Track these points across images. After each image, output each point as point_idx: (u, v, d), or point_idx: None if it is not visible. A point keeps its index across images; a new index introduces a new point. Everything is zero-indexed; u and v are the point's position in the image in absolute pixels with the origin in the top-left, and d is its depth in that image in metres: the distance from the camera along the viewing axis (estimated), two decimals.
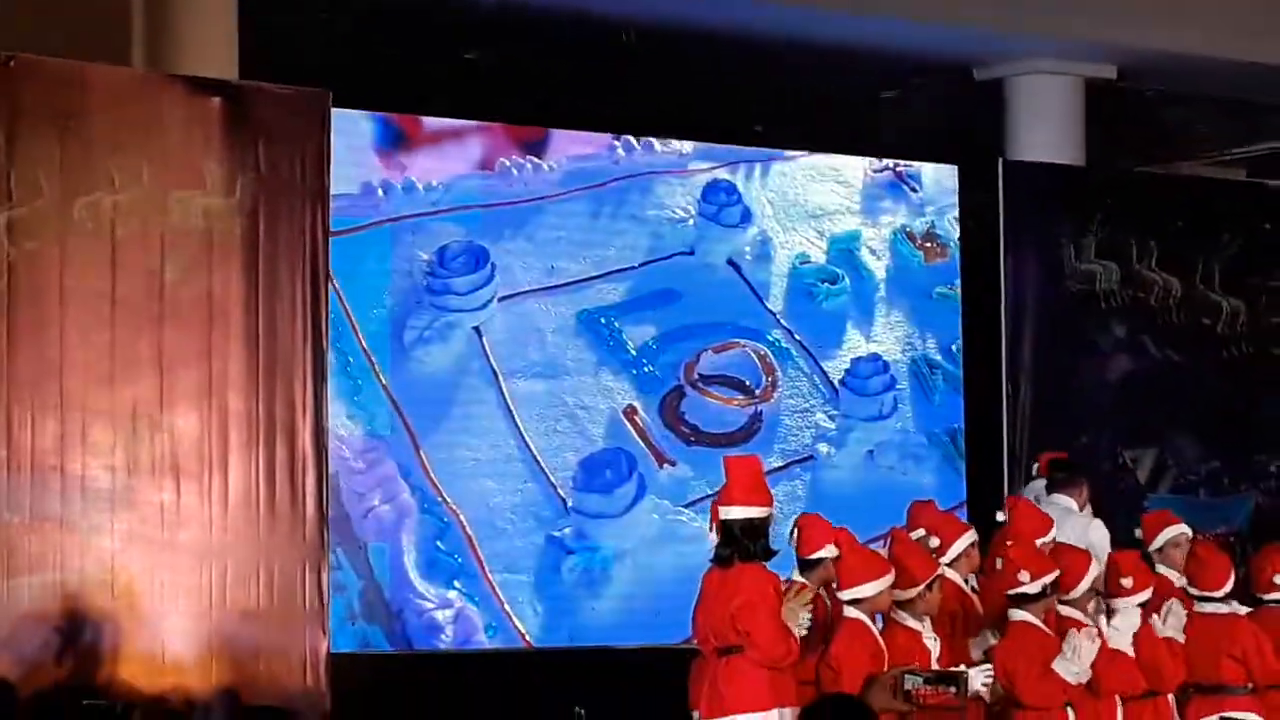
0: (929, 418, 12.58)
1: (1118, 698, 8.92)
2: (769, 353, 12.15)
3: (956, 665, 8.59)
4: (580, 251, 11.67)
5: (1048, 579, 8.76)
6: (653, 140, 11.89)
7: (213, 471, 9.77)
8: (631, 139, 11.84)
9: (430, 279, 11.32)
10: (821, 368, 12.30)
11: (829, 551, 8.65)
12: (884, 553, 8.75)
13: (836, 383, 12.32)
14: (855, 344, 12.41)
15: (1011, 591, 8.77)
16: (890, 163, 12.54)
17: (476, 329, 11.41)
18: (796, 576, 8.69)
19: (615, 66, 12.47)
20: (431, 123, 11.41)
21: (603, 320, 11.73)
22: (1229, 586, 9.42)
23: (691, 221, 12.00)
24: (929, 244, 12.62)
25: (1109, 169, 13.68)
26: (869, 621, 8.59)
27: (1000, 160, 12.81)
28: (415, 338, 11.27)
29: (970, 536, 9.16)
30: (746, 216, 12.13)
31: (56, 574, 9.38)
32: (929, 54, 12.85)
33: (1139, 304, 13.09)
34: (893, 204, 12.56)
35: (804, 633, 8.40)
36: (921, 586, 8.58)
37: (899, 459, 12.43)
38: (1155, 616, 9.16)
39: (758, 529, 8.47)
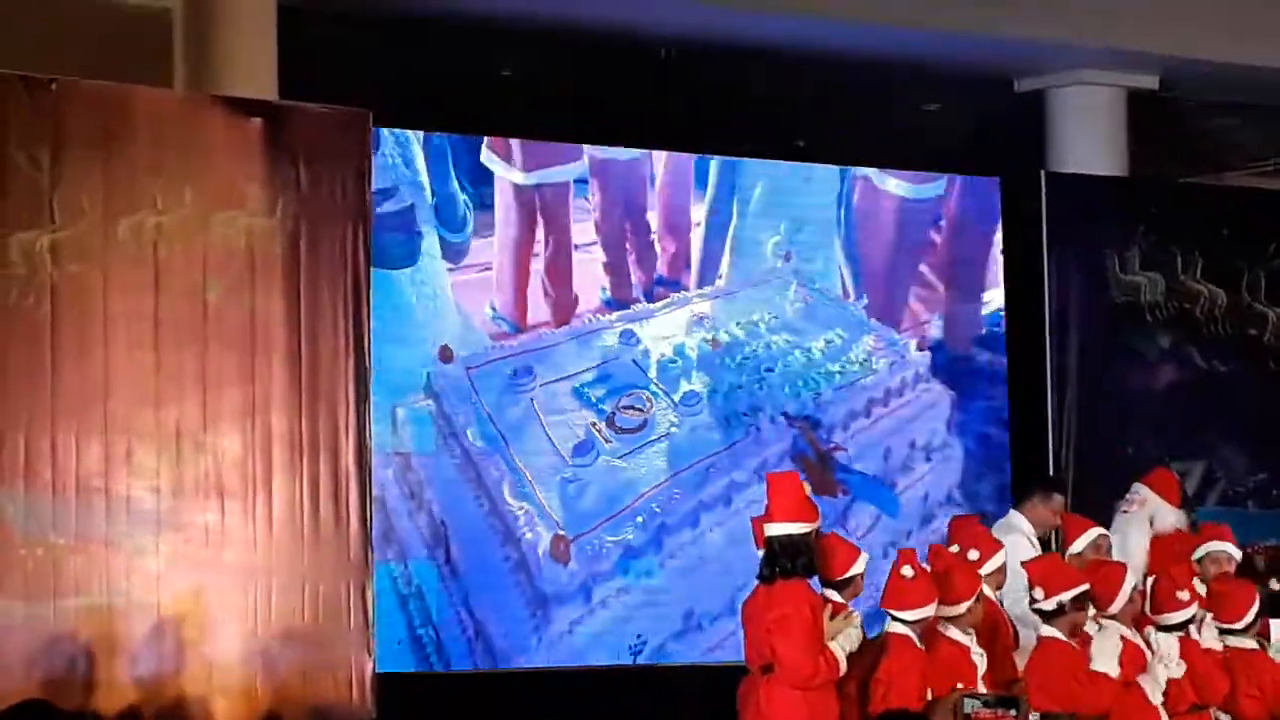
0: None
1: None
2: None
3: (1000, 679, 8.58)
4: None
5: (1065, 595, 8.73)
6: None
7: (256, 491, 9.79)
8: None
9: None
10: None
11: (859, 568, 8.67)
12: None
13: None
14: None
15: (1033, 607, 8.78)
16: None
17: None
18: (830, 595, 8.67)
19: (653, 83, 12.47)
20: None
21: None
22: (1250, 618, 9.36)
23: None
24: None
25: (1152, 180, 13.63)
26: (915, 638, 8.59)
27: (1043, 172, 12.78)
28: None
29: (1003, 553, 9.15)
30: None
31: (102, 596, 9.40)
32: (970, 66, 12.83)
33: (1184, 315, 13.04)
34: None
35: (855, 649, 8.39)
36: (970, 601, 8.59)
37: None
38: (1193, 628, 9.14)
39: (798, 545, 8.45)
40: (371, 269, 10.26)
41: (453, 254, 11.35)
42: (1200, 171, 14.75)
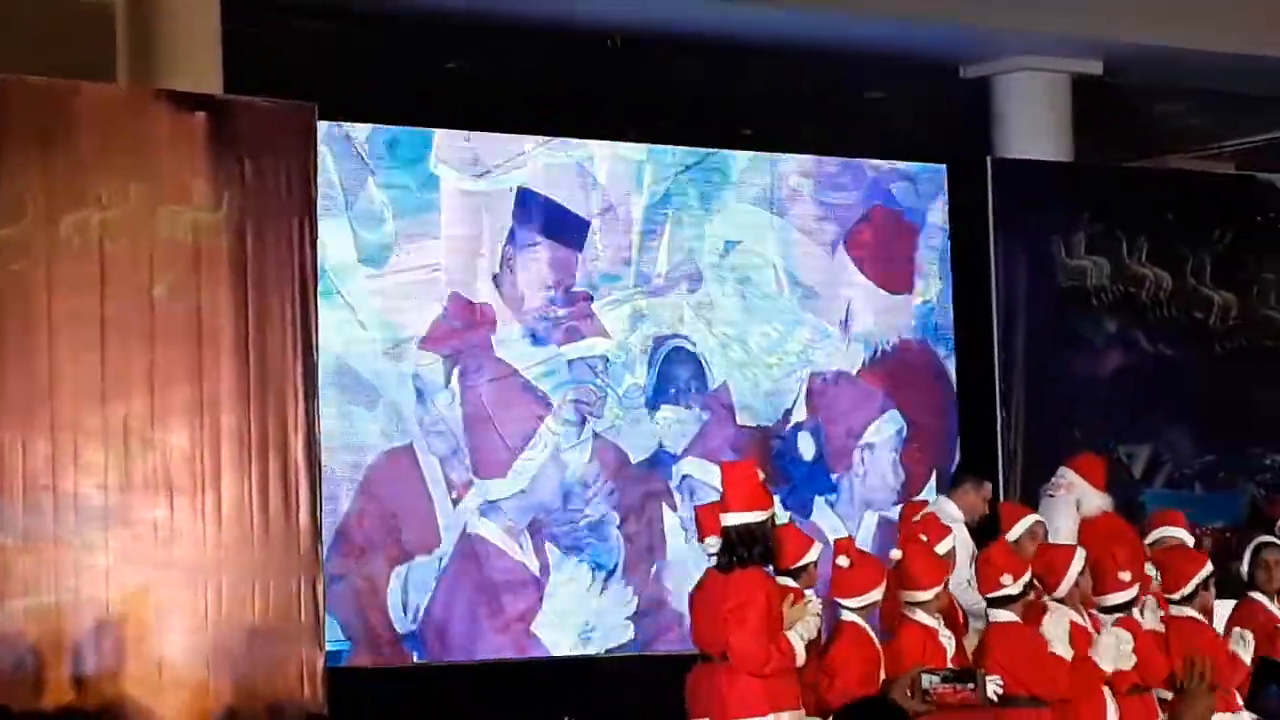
0: None
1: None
2: None
3: (958, 663, 8.64)
4: None
5: (1027, 578, 8.81)
6: None
7: (206, 488, 9.76)
8: None
9: None
10: None
11: (812, 556, 8.72)
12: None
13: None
14: None
15: (993, 595, 8.82)
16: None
17: None
18: (787, 583, 8.70)
19: (600, 74, 12.46)
20: None
21: None
22: (1190, 588, 9.43)
23: None
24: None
25: (1098, 165, 13.67)
26: (865, 625, 8.64)
27: (989, 158, 12.81)
28: None
29: (952, 538, 9.21)
30: None
31: (51, 595, 9.37)
32: (915, 53, 12.84)
33: (1130, 299, 13.09)
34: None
35: (814, 636, 8.42)
36: (939, 588, 8.67)
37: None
38: (1136, 610, 9.21)
39: (755, 534, 8.49)
40: (318, 262, 10.24)
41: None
42: (1145, 156, 14.81)
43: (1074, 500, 10.05)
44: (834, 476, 12.23)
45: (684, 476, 11.78)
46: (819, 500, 12.16)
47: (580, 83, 12.41)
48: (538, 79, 12.33)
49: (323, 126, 10.51)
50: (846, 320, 12.34)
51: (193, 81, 10.39)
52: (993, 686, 8.44)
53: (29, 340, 9.45)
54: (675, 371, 11.90)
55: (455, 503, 11.27)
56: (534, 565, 11.40)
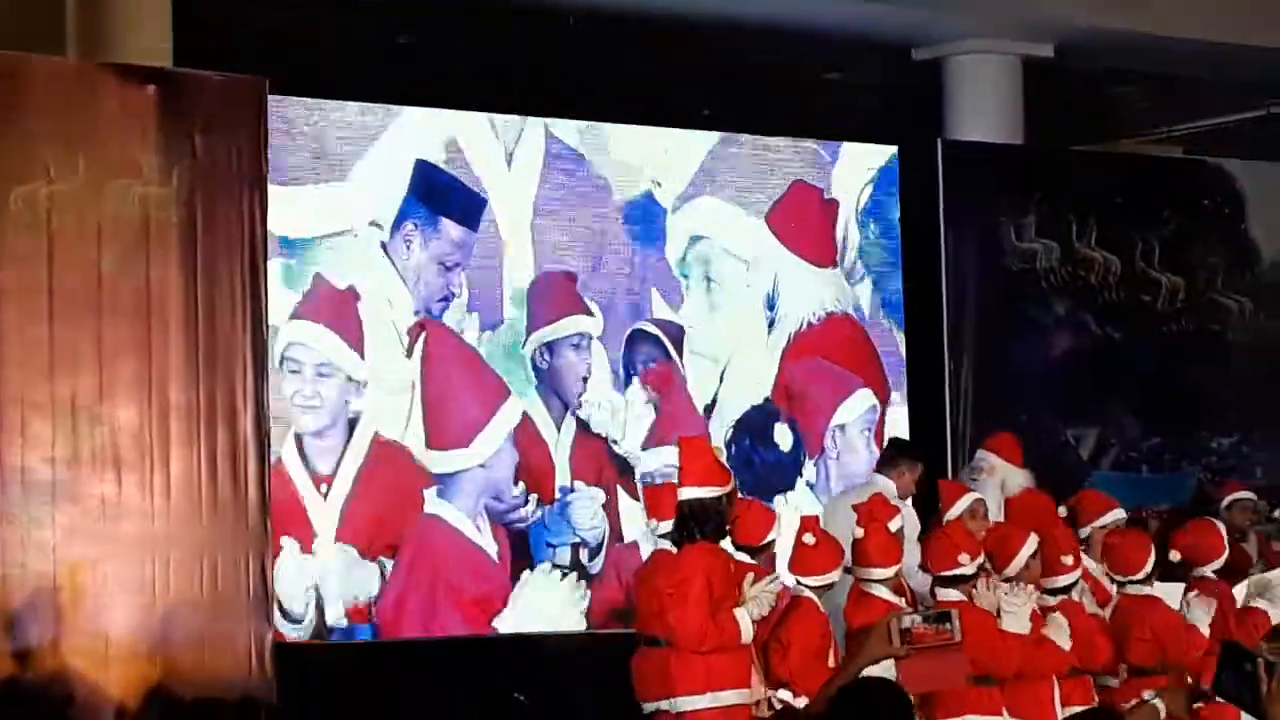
0: None
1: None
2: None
3: None
4: None
5: (981, 559, 8.86)
6: None
7: (154, 462, 9.72)
8: None
9: None
10: None
11: (774, 534, 8.74)
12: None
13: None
14: None
15: (949, 573, 8.84)
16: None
17: None
18: (744, 559, 8.72)
19: (557, 51, 12.44)
20: None
21: None
22: (1148, 568, 9.48)
23: None
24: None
25: (1048, 148, 13.71)
26: (818, 601, 8.67)
27: (939, 140, 12.83)
28: None
29: (900, 518, 9.24)
30: None
31: None
32: (868, 34, 12.86)
33: (1079, 282, 13.14)
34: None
35: (765, 614, 8.43)
36: (897, 566, 8.70)
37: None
38: (1075, 593, 9.26)
39: (708, 509, 8.49)
40: (268, 238, 10.20)
41: None
42: (1095, 139, 14.85)
43: (999, 482, 10.09)
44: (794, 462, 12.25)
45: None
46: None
47: (536, 59, 12.38)
48: (492, 55, 12.29)
49: None
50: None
51: (143, 55, 10.34)
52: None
53: None
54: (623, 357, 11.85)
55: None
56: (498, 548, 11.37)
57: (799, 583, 8.71)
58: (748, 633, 8.40)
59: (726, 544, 8.67)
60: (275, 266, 10.59)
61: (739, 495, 8.99)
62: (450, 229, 11.36)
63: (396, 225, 11.23)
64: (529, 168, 11.59)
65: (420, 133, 11.31)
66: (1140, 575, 9.44)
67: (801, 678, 8.49)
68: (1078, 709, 8.71)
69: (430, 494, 11.17)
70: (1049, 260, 13.02)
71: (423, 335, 11.25)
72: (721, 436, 11.85)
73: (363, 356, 11.09)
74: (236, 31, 11.39)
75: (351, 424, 11.08)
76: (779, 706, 8.46)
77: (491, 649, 11.23)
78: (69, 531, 9.50)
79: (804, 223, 12.34)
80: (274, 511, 10.11)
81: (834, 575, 8.71)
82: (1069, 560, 9.22)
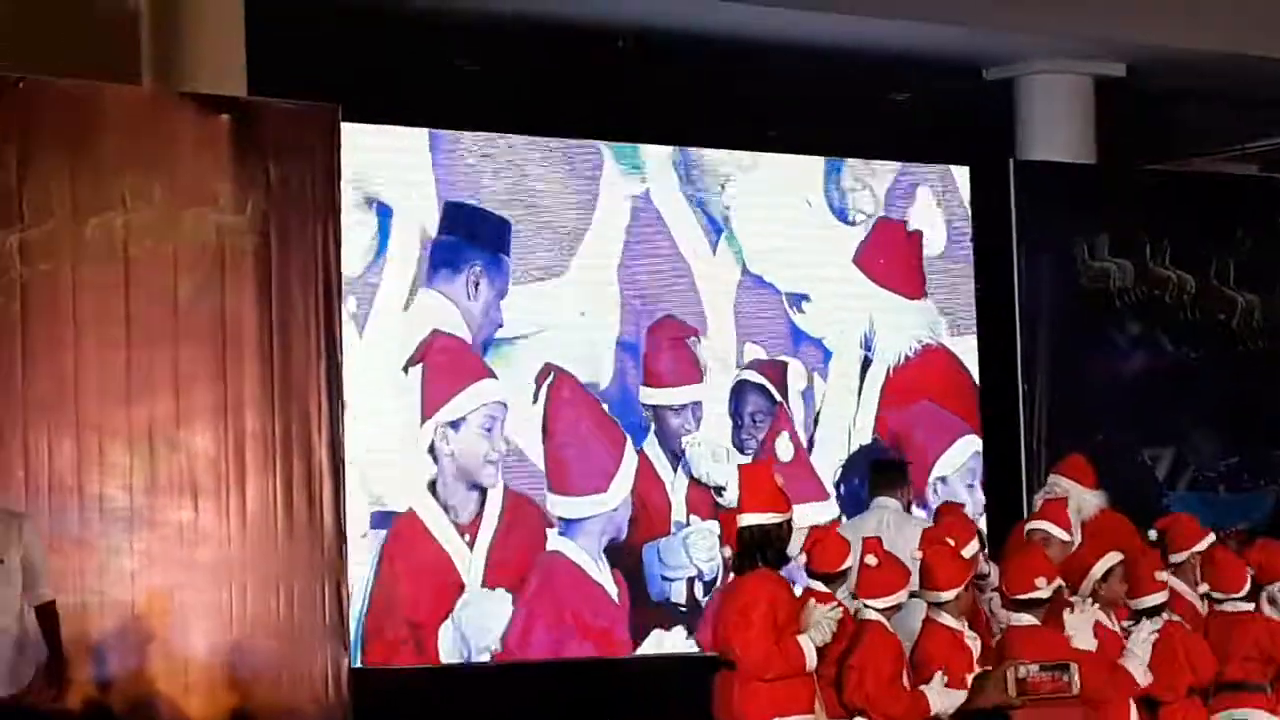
0: None
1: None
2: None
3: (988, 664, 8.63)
4: None
5: (1058, 583, 8.82)
6: None
7: (230, 489, 9.78)
8: None
9: None
10: None
11: (850, 561, 8.70)
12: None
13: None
14: None
15: (1024, 596, 8.82)
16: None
17: None
18: (818, 586, 8.69)
19: (615, 74, 12.46)
20: None
21: None
22: (1249, 586, 9.45)
23: None
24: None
25: (1120, 167, 13.66)
26: (888, 624, 8.63)
27: (1011, 160, 12.80)
28: None
29: (977, 541, 9.20)
30: None
31: (77, 595, 9.38)
32: (939, 55, 12.85)
33: (1154, 301, 13.07)
34: None
35: (828, 640, 8.39)
36: (959, 589, 8.66)
37: None
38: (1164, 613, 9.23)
39: (769, 535, 8.47)
40: (341, 263, 10.25)
41: None
42: (1168, 158, 14.79)
43: (1074, 507, 10.01)
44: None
45: None
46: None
47: (598, 84, 12.41)
48: (549, 78, 12.33)
49: None
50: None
51: (217, 83, 10.40)
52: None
53: (55, 340, 9.48)
54: None
55: None
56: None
57: (865, 606, 8.65)
58: (812, 660, 8.35)
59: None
60: None
61: (818, 525, 9.01)
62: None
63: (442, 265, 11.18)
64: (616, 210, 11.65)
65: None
66: (1241, 593, 9.41)
67: (878, 703, 8.46)
68: None
69: (552, 534, 11.29)
70: (1123, 280, 12.97)
71: (548, 380, 11.34)
72: (831, 476, 11.87)
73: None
74: (310, 59, 11.43)
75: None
76: None
77: (573, 671, 11.22)
78: (147, 558, 9.57)
79: (892, 258, 12.35)
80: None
81: (900, 596, 8.64)
82: (1161, 577, 9.18)
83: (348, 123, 10.41)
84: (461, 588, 10.99)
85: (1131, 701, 8.96)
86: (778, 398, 11.98)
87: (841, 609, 8.46)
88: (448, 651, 10.91)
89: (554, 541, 11.27)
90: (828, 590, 8.65)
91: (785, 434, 11.96)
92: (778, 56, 12.51)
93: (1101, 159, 13.39)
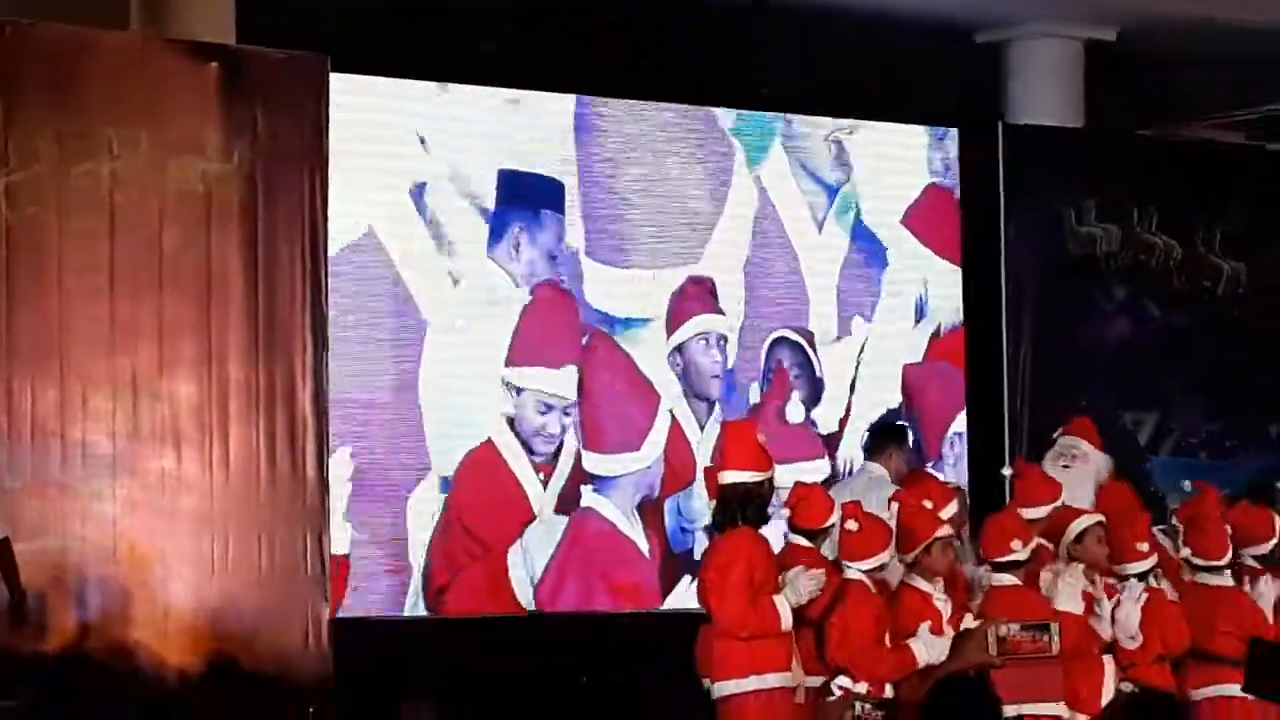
0: None
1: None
2: None
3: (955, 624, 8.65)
4: None
5: (1033, 545, 8.84)
6: None
7: (213, 438, 9.77)
8: None
9: None
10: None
11: (834, 519, 8.72)
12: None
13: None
14: None
15: (1001, 560, 8.84)
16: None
17: None
18: (800, 542, 8.71)
19: (613, 30, 12.41)
20: None
21: None
22: (1229, 556, 9.47)
23: None
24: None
25: (1109, 132, 13.65)
26: (871, 585, 8.65)
27: (1000, 123, 12.79)
28: None
29: (957, 502, 9.22)
30: None
31: (59, 540, 9.38)
32: (930, 17, 12.81)
33: (1140, 267, 13.09)
34: None
35: (804, 601, 8.40)
36: (919, 549, 8.66)
37: None
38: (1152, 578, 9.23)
39: (750, 494, 8.48)
40: (328, 215, 10.22)
41: None
42: (1157, 123, 14.75)
43: (1093, 470, 9.99)
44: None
45: None
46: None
47: (604, 39, 12.35)
48: (558, 32, 12.26)
49: None
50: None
51: (205, 30, 10.36)
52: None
53: (40, 287, 9.45)
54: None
55: None
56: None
57: (847, 567, 8.68)
58: (787, 620, 8.38)
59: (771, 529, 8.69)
60: None
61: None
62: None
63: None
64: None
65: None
66: (1223, 560, 9.42)
67: (860, 662, 8.49)
68: None
69: (586, 490, 11.36)
70: (1109, 245, 12.98)
71: (585, 340, 11.43)
72: (858, 440, 11.92)
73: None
74: (298, 7, 11.36)
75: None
76: (839, 693, 8.46)
77: (554, 626, 11.22)
78: (129, 505, 9.56)
79: (940, 223, 12.48)
80: None
81: (883, 557, 8.68)
82: (1144, 547, 9.20)
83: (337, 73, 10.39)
84: (532, 516, 11.19)
85: (1108, 661, 8.98)
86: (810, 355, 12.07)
87: (821, 575, 8.47)
88: (514, 565, 11.09)
89: (587, 498, 11.36)
90: (811, 545, 8.67)
91: (796, 395, 12.03)
92: (768, 17, 12.47)
93: (1091, 124, 13.37)
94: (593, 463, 11.39)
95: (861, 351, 12.26)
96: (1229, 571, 9.53)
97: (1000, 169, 12.57)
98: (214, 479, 9.76)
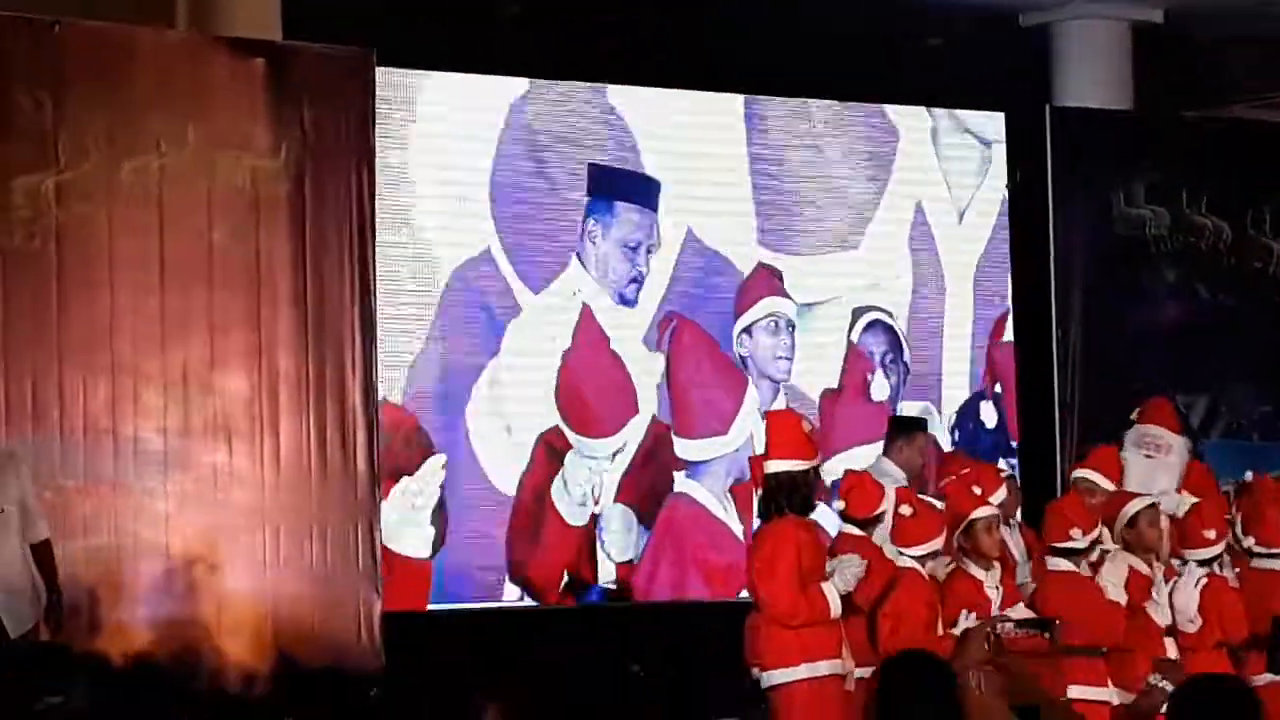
0: None
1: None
2: None
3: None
4: None
5: (1095, 534, 8.80)
6: None
7: (264, 432, 9.81)
8: None
9: None
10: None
11: (884, 506, 8.70)
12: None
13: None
14: None
15: (1060, 546, 8.80)
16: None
17: None
18: (853, 531, 8.71)
19: (665, 19, 12.40)
20: None
21: None
22: None
23: None
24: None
25: (1157, 114, 13.58)
26: (924, 572, 8.63)
27: (1048, 106, 12.74)
28: None
29: (1006, 487, 9.18)
30: None
31: (111, 537, 9.43)
32: (974, 1, 12.77)
33: (1190, 249, 13.02)
34: None
35: (851, 588, 8.38)
36: (958, 531, 8.65)
37: None
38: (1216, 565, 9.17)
39: (796, 482, 8.47)
40: (375, 208, 10.25)
41: None
42: (1205, 105, 14.68)
43: (1177, 462, 9.91)
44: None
45: None
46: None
47: (642, 27, 12.34)
48: (594, 21, 12.26)
49: None
50: None
51: (252, 27, 10.40)
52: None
53: (90, 283, 9.52)
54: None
55: None
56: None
57: (901, 554, 8.67)
58: (836, 607, 8.36)
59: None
60: None
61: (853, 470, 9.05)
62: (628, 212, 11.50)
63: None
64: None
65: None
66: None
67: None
68: None
69: (679, 476, 11.44)
70: (1158, 227, 12.91)
71: (670, 327, 11.48)
72: (948, 421, 12.03)
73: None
74: (344, 3, 11.39)
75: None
76: None
77: (605, 618, 11.23)
78: (181, 500, 9.61)
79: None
80: None
81: (935, 544, 8.65)
82: (1211, 534, 9.14)
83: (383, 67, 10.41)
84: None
85: (1170, 645, 8.94)
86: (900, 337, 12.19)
87: (866, 562, 8.44)
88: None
89: (680, 483, 11.47)
90: (863, 534, 8.66)
91: (880, 374, 12.11)
92: (811, 2, 12.44)
93: (1138, 106, 13.31)
94: (683, 448, 11.48)
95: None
96: None
97: (1048, 153, 12.52)
98: (265, 473, 9.80)
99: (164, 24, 10.38)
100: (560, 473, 11.16)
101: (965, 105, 12.53)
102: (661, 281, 11.54)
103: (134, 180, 9.67)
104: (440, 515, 10.75)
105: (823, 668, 8.32)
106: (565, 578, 11.11)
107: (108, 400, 9.45)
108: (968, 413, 12.30)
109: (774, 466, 8.49)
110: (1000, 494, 9.10)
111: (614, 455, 11.31)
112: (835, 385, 11.96)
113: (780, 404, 11.63)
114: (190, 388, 9.69)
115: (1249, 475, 9.86)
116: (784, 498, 8.44)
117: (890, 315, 12.14)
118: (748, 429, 11.55)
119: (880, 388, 12.07)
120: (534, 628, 10.97)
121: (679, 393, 11.48)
